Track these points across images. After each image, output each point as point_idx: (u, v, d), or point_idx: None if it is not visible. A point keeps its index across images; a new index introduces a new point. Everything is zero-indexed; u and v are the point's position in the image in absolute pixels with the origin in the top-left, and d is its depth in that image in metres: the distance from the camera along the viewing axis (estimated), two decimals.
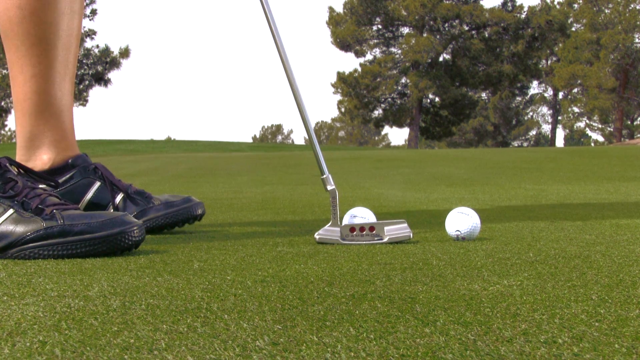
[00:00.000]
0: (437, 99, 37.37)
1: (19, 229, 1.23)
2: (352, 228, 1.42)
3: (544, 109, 52.14)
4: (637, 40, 35.86)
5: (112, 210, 1.62)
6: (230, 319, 0.73)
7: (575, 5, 39.49)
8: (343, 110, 38.67)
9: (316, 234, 1.42)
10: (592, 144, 50.85)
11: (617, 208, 2.47)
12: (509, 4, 36.63)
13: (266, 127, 78.86)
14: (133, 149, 17.88)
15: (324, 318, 0.73)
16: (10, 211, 1.25)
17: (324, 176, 1.45)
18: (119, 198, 1.64)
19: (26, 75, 1.58)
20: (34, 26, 1.55)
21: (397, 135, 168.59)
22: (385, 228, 1.41)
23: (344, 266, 1.10)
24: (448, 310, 0.76)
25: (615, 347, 0.61)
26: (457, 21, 35.42)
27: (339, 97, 37.73)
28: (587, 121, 46.08)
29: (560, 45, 38.43)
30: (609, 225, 1.76)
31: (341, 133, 72.61)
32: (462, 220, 1.44)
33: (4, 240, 1.23)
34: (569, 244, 1.38)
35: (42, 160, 1.62)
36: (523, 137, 53.85)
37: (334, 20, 36.16)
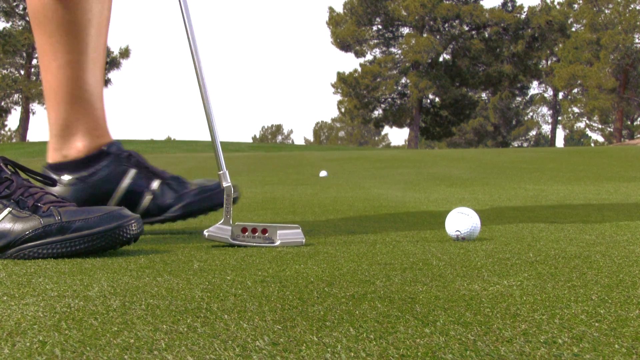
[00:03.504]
0: (437, 99, 37.38)
1: (17, 227, 1.22)
2: (244, 228, 1.38)
3: (544, 109, 52.18)
4: (637, 40, 35.86)
5: (149, 197, 1.60)
6: (230, 319, 0.73)
7: (575, 6, 39.49)
8: (343, 110, 38.68)
9: (206, 230, 1.37)
10: (592, 144, 50.84)
11: (617, 208, 2.47)
12: (509, 4, 36.65)
13: (266, 127, 78.89)
14: (133, 149, 17.85)
15: (324, 318, 0.73)
16: (7, 210, 1.24)
17: (221, 172, 1.40)
18: (155, 184, 1.62)
19: (60, 62, 1.56)
20: (68, 12, 1.53)
21: (397, 136, 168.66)
22: (278, 232, 1.38)
23: (344, 266, 1.10)
24: (448, 310, 0.76)
25: (615, 348, 0.61)
26: (457, 21, 35.43)
27: (339, 97, 37.75)
28: (587, 121, 46.09)
29: (560, 45, 38.43)
30: (609, 226, 1.75)
31: (341, 133, 72.61)
32: (462, 221, 1.44)
33: (2, 239, 1.22)
34: (569, 244, 1.38)
35: (76, 148, 1.60)
36: (523, 138, 53.85)
37: (334, 21, 36.17)
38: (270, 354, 0.60)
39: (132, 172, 1.61)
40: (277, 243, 1.37)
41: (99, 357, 0.60)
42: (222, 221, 1.37)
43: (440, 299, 0.83)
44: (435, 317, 0.73)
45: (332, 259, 1.18)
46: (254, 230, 1.38)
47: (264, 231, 1.38)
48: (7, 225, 1.23)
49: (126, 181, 1.60)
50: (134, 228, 1.26)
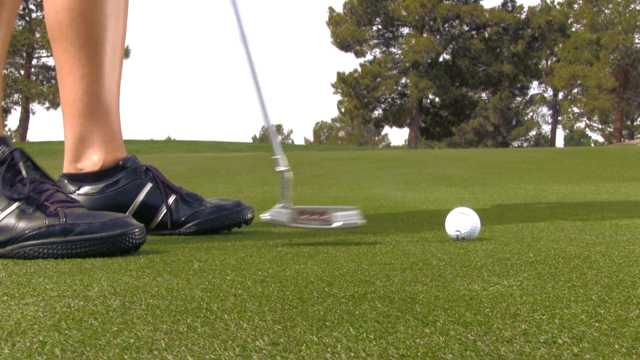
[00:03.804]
0: (437, 99, 37.38)
1: (21, 224, 1.22)
2: (302, 211, 1.37)
3: (544, 109, 52.17)
4: (637, 40, 35.87)
5: (164, 213, 1.61)
6: (230, 319, 0.73)
7: (575, 6, 39.49)
8: (343, 110, 38.67)
9: (265, 213, 1.36)
10: (592, 144, 50.84)
11: (617, 208, 2.47)
12: (509, 4, 36.65)
13: (266, 127, 78.73)
14: (133, 149, 17.84)
15: (324, 318, 0.73)
16: (15, 205, 1.23)
17: (277, 157, 1.41)
18: (171, 200, 1.63)
19: (76, 76, 1.58)
20: (83, 27, 1.56)
21: (397, 136, 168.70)
22: (336, 214, 1.36)
23: (344, 266, 1.10)
24: (448, 310, 0.76)
25: (615, 348, 0.61)
26: (457, 21, 35.44)
27: (339, 97, 37.73)
28: (587, 121, 46.07)
29: (560, 45, 38.43)
30: (609, 226, 1.75)
31: (341, 133, 72.60)
32: (462, 221, 1.44)
33: (4, 234, 1.22)
34: (569, 244, 1.38)
35: (92, 160, 1.61)
36: (523, 138, 53.85)
37: (334, 21, 36.17)
38: (270, 354, 0.60)
39: (148, 187, 1.62)
40: (335, 225, 1.36)
41: (99, 357, 0.60)
42: (280, 205, 1.37)
43: (440, 299, 0.83)
44: (435, 317, 0.73)
45: (332, 259, 1.18)
46: (311, 213, 1.38)
47: (322, 213, 1.37)
48: (11, 221, 1.22)
49: (142, 195, 1.61)
50: (137, 237, 1.26)
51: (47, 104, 31.81)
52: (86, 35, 1.56)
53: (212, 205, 1.65)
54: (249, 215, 1.68)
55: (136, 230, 1.26)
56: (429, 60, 35.08)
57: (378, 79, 35.99)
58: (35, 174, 1.29)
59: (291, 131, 76.18)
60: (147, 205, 1.61)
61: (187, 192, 1.68)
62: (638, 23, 34.89)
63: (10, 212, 1.23)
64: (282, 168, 1.41)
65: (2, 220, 1.23)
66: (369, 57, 37.53)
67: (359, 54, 37.17)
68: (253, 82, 1.44)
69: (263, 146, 23.02)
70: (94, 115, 1.61)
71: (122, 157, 1.64)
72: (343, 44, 36.08)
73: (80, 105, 1.59)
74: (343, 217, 1.36)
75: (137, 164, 1.65)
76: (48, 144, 17.81)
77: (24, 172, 1.27)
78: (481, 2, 38.83)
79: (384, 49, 37.46)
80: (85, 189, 1.61)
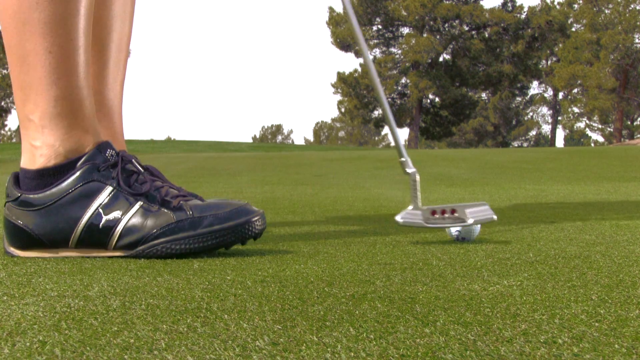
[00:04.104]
0: (437, 99, 37.39)
1: (149, 222, 1.20)
2: (433, 211, 1.37)
3: (544, 109, 52.19)
4: (637, 40, 35.87)
5: None
6: (230, 319, 0.73)
7: (575, 6, 39.50)
8: (343, 110, 38.69)
9: (398, 216, 1.37)
10: (592, 144, 50.85)
11: (617, 208, 2.47)
12: (509, 4, 36.66)
13: (266, 127, 78.91)
14: (133, 149, 17.88)
15: (324, 318, 0.73)
16: (139, 204, 1.21)
17: (403, 159, 1.41)
18: None
19: None
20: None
21: None
22: (468, 210, 1.36)
23: (344, 266, 1.10)
24: (448, 310, 0.76)
25: (615, 348, 0.61)
26: (457, 21, 35.45)
27: (339, 97, 37.76)
28: (587, 121, 46.09)
29: (560, 45, 38.45)
30: (609, 226, 1.75)
31: (341, 133, 72.62)
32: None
33: (135, 234, 1.20)
34: (569, 244, 1.38)
35: None
36: (523, 138, 53.86)
37: (334, 21, 36.17)
38: (270, 354, 0.60)
39: None
40: (469, 221, 1.36)
41: (99, 357, 0.60)
42: (411, 207, 1.38)
43: (440, 299, 0.83)
44: (435, 317, 0.73)
45: (332, 259, 1.18)
46: (443, 212, 1.38)
47: (453, 211, 1.37)
48: (139, 220, 1.20)
49: None
50: (259, 224, 1.24)
51: None
52: (92, 35, 1.57)
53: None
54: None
55: (258, 217, 1.24)
56: (429, 60, 35.09)
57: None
58: (143, 171, 1.28)
59: (291, 131, 76.24)
60: None
61: (186, 192, 1.68)
62: (638, 23, 34.89)
63: (136, 212, 1.21)
64: (411, 170, 1.40)
65: (129, 221, 1.20)
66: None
67: (359, 54, 37.15)
68: (376, 90, 1.45)
69: (263, 146, 23.04)
70: (97, 116, 1.61)
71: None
72: (343, 44, 36.08)
73: None
74: (476, 213, 1.36)
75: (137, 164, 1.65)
76: None
77: (137, 171, 1.26)
78: (481, 2, 38.84)
79: (384, 49, 37.49)
80: None
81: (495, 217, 1.37)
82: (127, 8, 1.64)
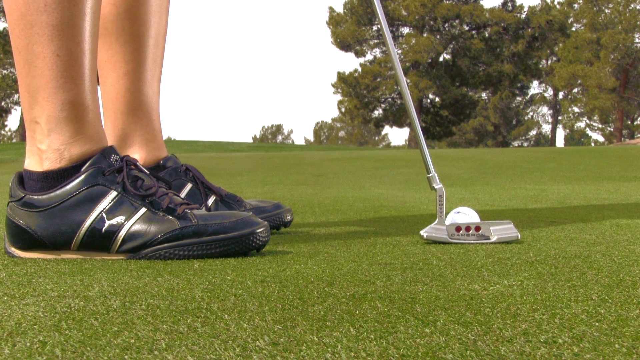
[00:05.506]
0: (437, 99, 37.39)
1: (153, 228, 1.20)
2: (458, 227, 1.40)
3: (544, 109, 52.21)
4: (637, 40, 35.86)
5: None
6: (231, 319, 0.73)
7: (575, 5, 39.49)
8: (343, 110, 38.69)
9: (423, 231, 1.39)
10: (592, 144, 50.84)
11: (617, 208, 2.47)
12: (509, 4, 36.66)
13: (266, 127, 78.93)
14: None
15: (324, 318, 0.73)
16: (143, 210, 1.22)
17: (430, 175, 1.43)
18: (211, 201, 1.60)
19: (119, 73, 1.57)
20: (128, 23, 1.55)
21: (397, 135, 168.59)
22: (492, 228, 1.39)
23: (344, 266, 1.10)
24: (448, 310, 0.76)
25: (615, 347, 0.61)
26: (457, 21, 35.46)
27: (339, 97, 37.77)
28: (587, 121, 46.07)
29: (560, 45, 38.45)
30: (609, 225, 1.75)
31: (341, 133, 72.61)
32: (462, 220, 1.44)
33: (138, 239, 1.20)
34: (569, 244, 1.38)
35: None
36: (523, 137, 53.85)
37: (334, 21, 36.19)
38: (270, 354, 0.60)
39: (188, 187, 1.59)
40: (493, 239, 1.38)
41: (99, 357, 0.60)
42: (436, 222, 1.39)
43: (440, 298, 0.83)
44: (436, 317, 0.73)
45: (332, 259, 1.18)
46: (467, 229, 1.40)
47: (477, 228, 1.39)
48: (143, 226, 1.20)
49: (182, 195, 1.57)
50: (263, 235, 1.24)
51: None
52: (130, 31, 1.55)
53: (252, 207, 1.64)
54: (288, 218, 1.67)
55: (262, 228, 1.24)
56: (429, 60, 35.10)
57: (378, 79, 36.01)
58: (149, 178, 1.28)
59: (291, 131, 76.22)
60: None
61: (226, 192, 1.66)
62: (638, 23, 34.89)
63: (140, 217, 1.21)
64: (438, 186, 1.42)
65: (133, 226, 1.20)
66: (369, 57, 37.56)
67: (359, 53, 37.19)
68: (406, 102, 1.46)
69: (263, 146, 23.03)
70: (137, 114, 1.59)
71: (163, 156, 1.62)
72: (343, 44, 36.10)
73: (123, 102, 1.57)
74: (500, 232, 1.39)
75: (178, 163, 1.62)
76: None
77: (142, 177, 1.26)
78: (481, 2, 38.81)
79: (384, 48, 37.44)
80: None
81: (519, 235, 1.40)
82: (164, 2, 1.62)
